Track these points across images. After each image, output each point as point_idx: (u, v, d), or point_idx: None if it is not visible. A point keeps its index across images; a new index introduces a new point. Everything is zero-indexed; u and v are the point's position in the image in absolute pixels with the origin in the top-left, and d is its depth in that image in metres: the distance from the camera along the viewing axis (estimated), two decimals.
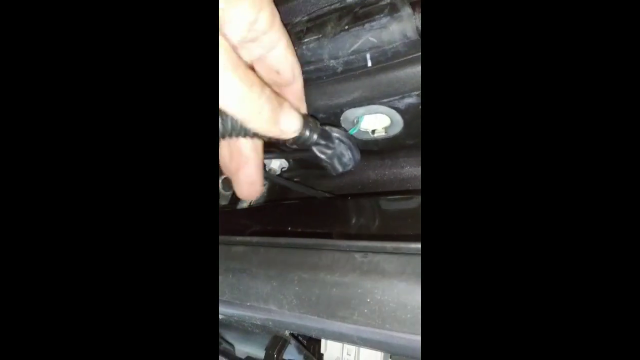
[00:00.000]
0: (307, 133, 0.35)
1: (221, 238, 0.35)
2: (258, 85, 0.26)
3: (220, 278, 0.32)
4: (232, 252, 0.33)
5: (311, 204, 0.46)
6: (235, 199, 0.57)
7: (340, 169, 0.41)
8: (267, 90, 0.27)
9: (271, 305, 0.28)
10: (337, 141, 0.39)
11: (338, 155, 0.40)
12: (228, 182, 0.58)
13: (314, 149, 0.40)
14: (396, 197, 0.42)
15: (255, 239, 0.33)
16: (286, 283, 0.27)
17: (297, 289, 0.26)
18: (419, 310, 0.22)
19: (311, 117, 0.36)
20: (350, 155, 0.40)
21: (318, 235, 0.31)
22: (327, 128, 0.38)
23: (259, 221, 0.47)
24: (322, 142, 0.38)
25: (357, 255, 0.25)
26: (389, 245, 0.24)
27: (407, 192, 0.45)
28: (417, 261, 0.23)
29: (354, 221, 0.36)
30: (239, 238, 0.34)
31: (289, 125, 0.30)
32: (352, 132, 0.42)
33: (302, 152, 0.51)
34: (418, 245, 0.23)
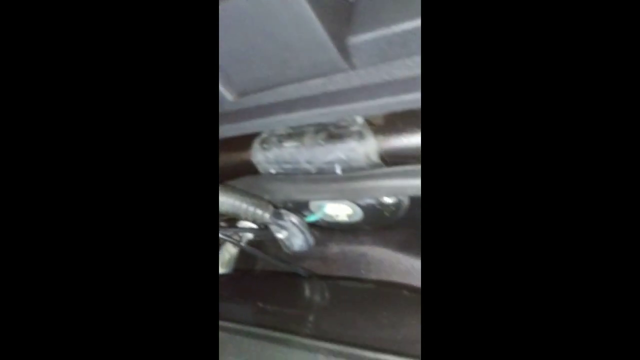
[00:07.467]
0: (259, 212, 0.43)
1: None
2: None
3: None
4: None
5: (282, 280, 0.51)
6: None
7: (294, 248, 0.48)
8: None
9: None
10: (289, 223, 0.46)
11: (293, 237, 0.47)
12: None
13: (271, 228, 0.47)
14: (375, 287, 0.48)
15: (231, 325, 0.37)
16: None
17: None
18: None
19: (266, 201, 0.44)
20: (304, 239, 0.47)
21: (299, 331, 0.35)
22: (282, 211, 0.45)
23: (229, 292, 0.51)
24: (277, 221, 0.45)
25: None
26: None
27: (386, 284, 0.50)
28: None
29: (329, 310, 0.40)
30: None
31: None
32: (311, 218, 0.48)
33: (261, 231, 0.57)
34: None
